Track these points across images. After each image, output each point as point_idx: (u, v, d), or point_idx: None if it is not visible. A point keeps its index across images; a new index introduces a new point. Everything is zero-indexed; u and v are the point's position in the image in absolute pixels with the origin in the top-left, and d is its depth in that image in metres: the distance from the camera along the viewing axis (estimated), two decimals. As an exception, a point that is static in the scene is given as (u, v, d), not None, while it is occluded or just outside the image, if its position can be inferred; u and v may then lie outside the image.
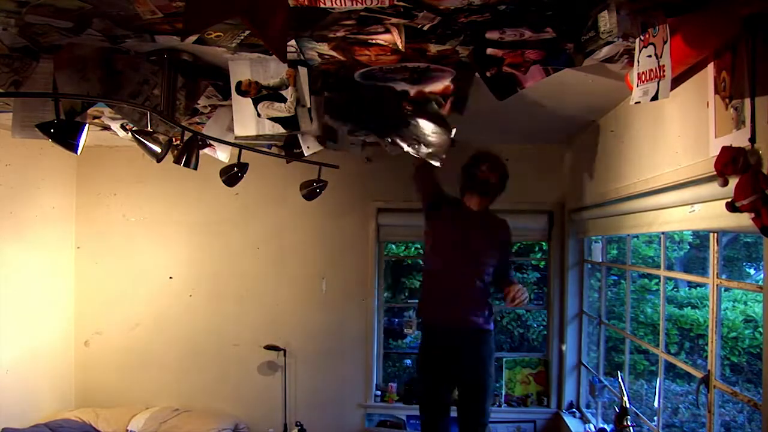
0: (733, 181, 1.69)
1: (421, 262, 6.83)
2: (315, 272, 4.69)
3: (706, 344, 2.33)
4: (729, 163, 1.67)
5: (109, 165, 4.77)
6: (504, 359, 4.61)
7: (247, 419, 4.58)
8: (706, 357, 2.33)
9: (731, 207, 1.65)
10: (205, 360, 4.70)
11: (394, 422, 4.57)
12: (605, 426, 3.64)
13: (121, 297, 4.75)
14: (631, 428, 3.03)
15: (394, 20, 1.95)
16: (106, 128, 3.79)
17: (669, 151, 2.42)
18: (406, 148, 2.91)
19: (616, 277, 5.63)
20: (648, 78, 1.86)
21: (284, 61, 2.38)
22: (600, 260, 3.96)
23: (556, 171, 4.47)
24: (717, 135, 1.92)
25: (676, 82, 2.02)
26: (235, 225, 4.73)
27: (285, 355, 4.55)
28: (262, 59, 2.45)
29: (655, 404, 3.00)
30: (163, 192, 4.75)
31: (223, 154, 3.60)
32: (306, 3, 1.75)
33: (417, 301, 3.29)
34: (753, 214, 1.60)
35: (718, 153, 1.75)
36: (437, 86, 2.70)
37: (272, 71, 2.52)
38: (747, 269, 6.63)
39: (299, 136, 3.25)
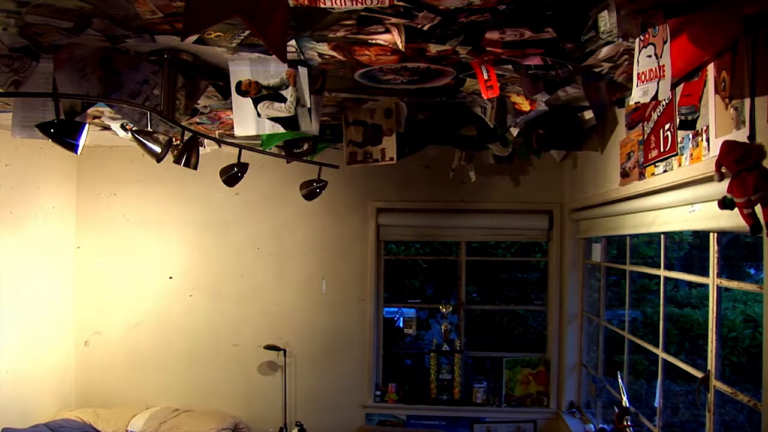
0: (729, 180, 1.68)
1: (422, 263, 6.86)
2: (315, 272, 4.69)
3: (706, 344, 2.33)
4: (741, 159, 1.64)
5: (109, 165, 4.77)
6: (504, 359, 4.61)
7: (247, 419, 4.58)
8: (706, 357, 2.33)
9: (724, 204, 1.64)
10: (205, 360, 4.70)
11: (394, 422, 4.57)
12: (605, 426, 3.64)
13: (121, 297, 4.75)
14: (630, 428, 3.03)
15: (394, 20, 1.95)
16: (106, 128, 3.79)
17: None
18: None
19: (616, 277, 5.63)
20: (648, 78, 1.86)
21: (284, 61, 2.37)
22: (600, 260, 3.96)
23: (556, 171, 4.47)
24: (717, 135, 1.92)
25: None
26: (235, 225, 4.73)
27: (285, 355, 4.56)
28: (262, 59, 2.45)
29: (655, 404, 3.00)
30: (163, 192, 4.75)
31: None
32: (306, 3, 1.75)
33: None
34: (748, 211, 1.59)
35: (724, 149, 1.72)
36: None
37: (272, 71, 2.52)
38: (747, 269, 6.62)
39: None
